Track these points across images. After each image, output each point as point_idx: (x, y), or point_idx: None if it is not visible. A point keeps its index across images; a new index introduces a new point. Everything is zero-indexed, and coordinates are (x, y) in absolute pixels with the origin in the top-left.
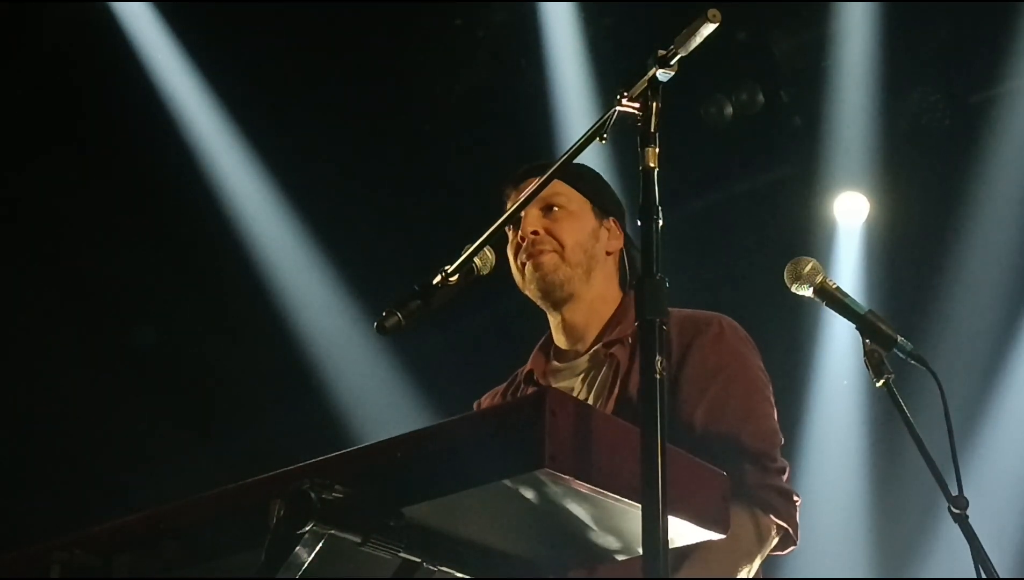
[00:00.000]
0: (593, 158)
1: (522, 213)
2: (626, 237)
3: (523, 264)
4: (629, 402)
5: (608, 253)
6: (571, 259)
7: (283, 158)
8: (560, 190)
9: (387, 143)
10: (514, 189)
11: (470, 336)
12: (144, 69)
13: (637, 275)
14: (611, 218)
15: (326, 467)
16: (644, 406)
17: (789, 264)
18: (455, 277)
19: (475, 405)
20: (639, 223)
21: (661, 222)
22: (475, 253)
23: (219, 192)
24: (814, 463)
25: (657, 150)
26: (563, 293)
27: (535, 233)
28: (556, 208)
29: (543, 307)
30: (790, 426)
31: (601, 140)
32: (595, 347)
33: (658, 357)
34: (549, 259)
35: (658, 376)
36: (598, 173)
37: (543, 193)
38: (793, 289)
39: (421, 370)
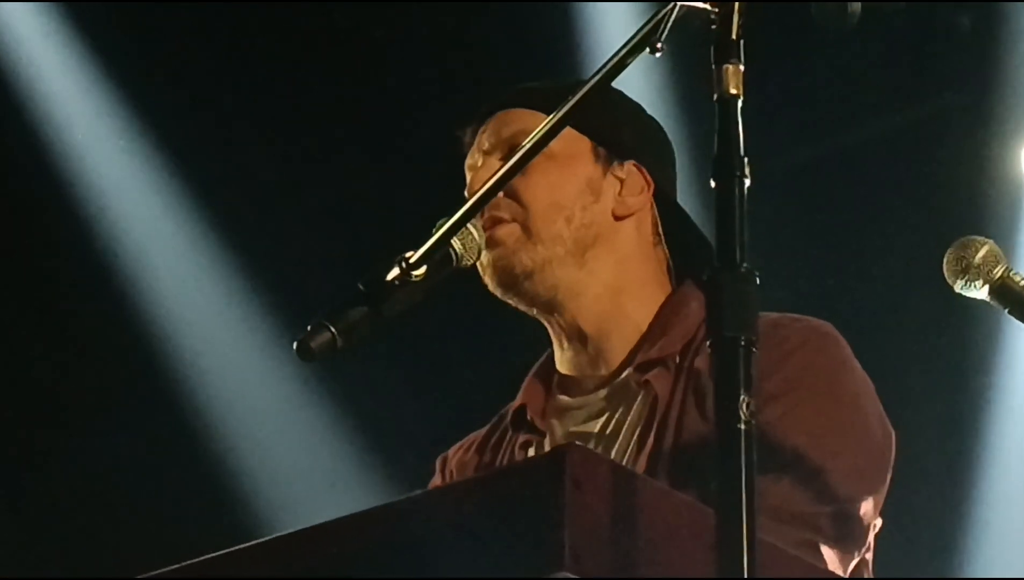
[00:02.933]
0: (640, 86)
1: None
2: (658, 191)
3: (480, 250)
4: (670, 459)
5: (620, 217)
6: (542, 230)
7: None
8: (530, 126)
9: (298, 71)
10: (480, 128)
11: (447, 363)
12: None
13: (708, 265)
14: (628, 161)
15: (210, 568)
16: (720, 473)
17: (952, 249)
18: (422, 269)
19: (438, 463)
20: (713, 183)
21: (748, 182)
22: (453, 232)
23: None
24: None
25: (742, 69)
26: (534, 288)
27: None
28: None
29: (524, 311)
30: (952, 487)
31: (654, 51)
32: (624, 372)
33: (743, 397)
34: (505, 233)
35: (743, 426)
36: (614, 92)
37: (505, 132)
38: (958, 287)
39: (367, 416)
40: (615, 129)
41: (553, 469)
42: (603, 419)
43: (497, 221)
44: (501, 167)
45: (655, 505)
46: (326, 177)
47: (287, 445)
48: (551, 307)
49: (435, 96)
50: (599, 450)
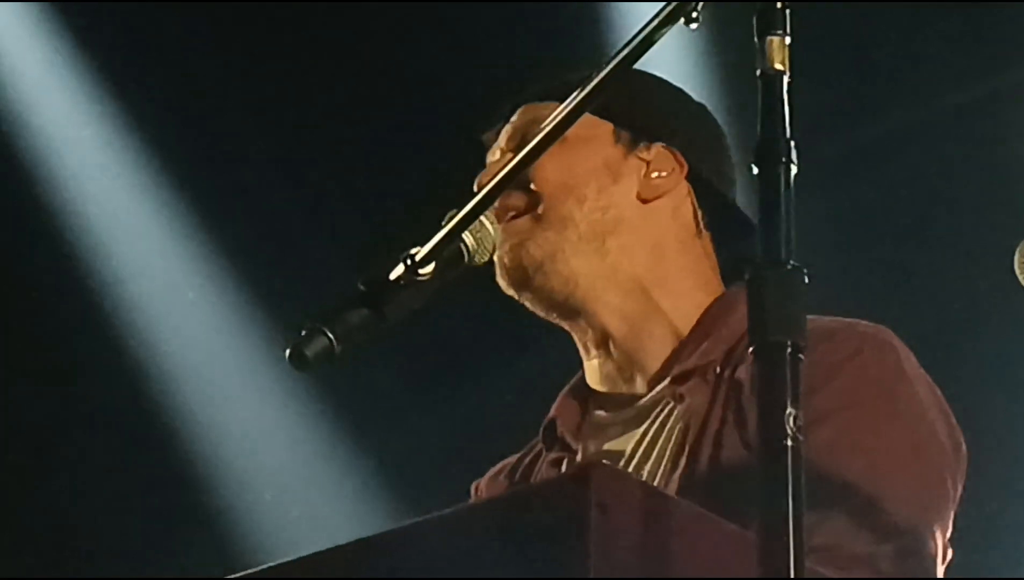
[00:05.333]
0: (673, 65)
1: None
2: (694, 174)
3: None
4: (706, 481)
5: (647, 200)
6: (551, 214)
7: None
8: (542, 114)
9: (296, 68)
10: (502, 126)
11: (459, 372)
12: None
13: (752, 262)
14: (657, 143)
15: None
16: (763, 496)
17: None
18: (429, 267)
19: (473, 490)
20: (754, 169)
21: (795, 168)
22: (464, 225)
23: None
24: None
25: (788, 42)
26: (548, 282)
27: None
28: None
29: (547, 318)
30: None
31: (689, 23)
32: (661, 383)
33: (790, 409)
34: (515, 226)
35: (790, 442)
36: (640, 73)
37: (520, 124)
38: None
39: (369, 429)
40: (639, 110)
41: (576, 491)
42: (636, 436)
43: (509, 209)
44: (515, 157)
45: (690, 531)
46: (323, 171)
47: (282, 461)
48: (571, 307)
49: (440, 93)
50: (635, 472)
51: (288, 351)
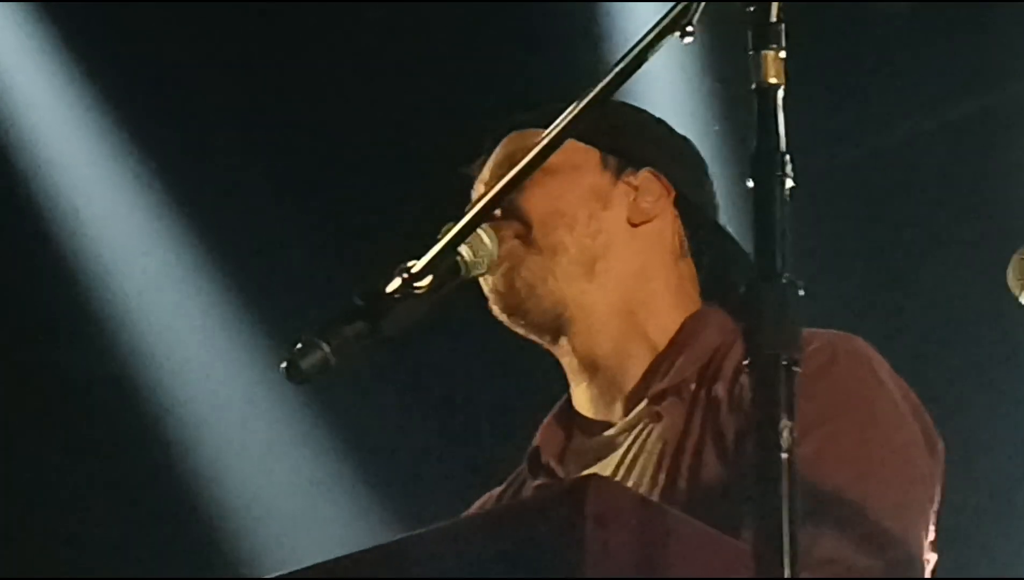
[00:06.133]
0: (671, 77)
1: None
2: (681, 199)
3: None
4: (685, 500)
5: (636, 222)
6: (541, 240)
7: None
8: (529, 144)
9: (290, 83)
10: (489, 155)
11: (455, 387)
12: None
13: (747, 278)
14: (644, 169)
15: None
16: (758, 509)
17: (1017, 256)
18: (426, 281)
19: None
20: (750, 182)
21: (791, 182)
22: (461, 238)
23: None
24: None
25: (783, 56)
26: (539, 305)
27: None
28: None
29: (534, 339)
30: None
31: (683, 37)
32: (640, 404)
33: (784, 420)
34: (506, 252)
35: (784, 454)
36: (623, 103)
37: (502, 152)
38: (1023, 299)
39: (364, 443)
40: (627, 138)
41: (572, 504)
42: (616, 457)
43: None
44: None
45: (686, 543)
46: (321, 183)
47: (276, 475)
48: (559, 328)
49: (435, 97)
50: None
51: (284, 363)
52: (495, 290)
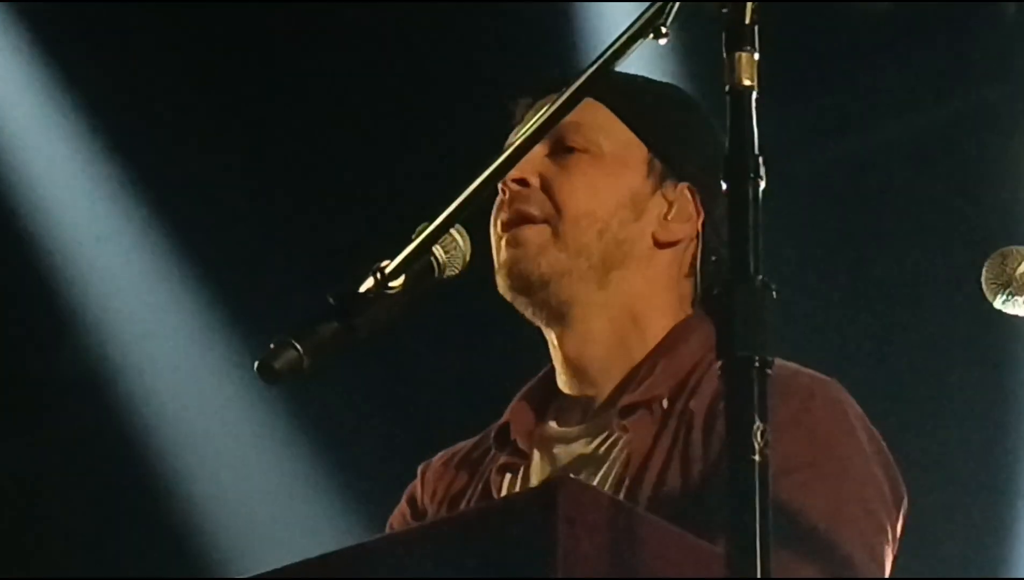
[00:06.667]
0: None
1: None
2: (707, 221)
3: (499, 237)
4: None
5: (661, 243)
6: (570, 238)
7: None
8: (589, 119)
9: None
10: (528, 109)
11: (426, 385)
12: None
13: (721, 279)
14: (683, 183)
15: None
16: (731, 511)
17: (991, 260)
18: (399, 281)
19: (419, 471)
20: (724, 184)
21: (763, 183)
22: (434, 238)
23: None
24: None
25: (756, 57)
26: (548, 297)
27: (521, 182)
28: (574, 150)
29: (527, 316)
30: (994, 514)
31: (658, 37)
32: (608, 409)
33: (757, 423)
34: (533, 234)
35: (757, 457)
36: (683, 97)
37: (562, 121)
38: (998, 302)
39: (337, 443)
40: (680, 144)
41: (544, 505)
42: (582, 460)
43: (526, 217)
44: (498, 159)
45: (658, 545)
46: (294, 184)
47: (247, 474)
48: (560, 319)
49: (413, 97)
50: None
51: (256, 364)
52: (509, 270)
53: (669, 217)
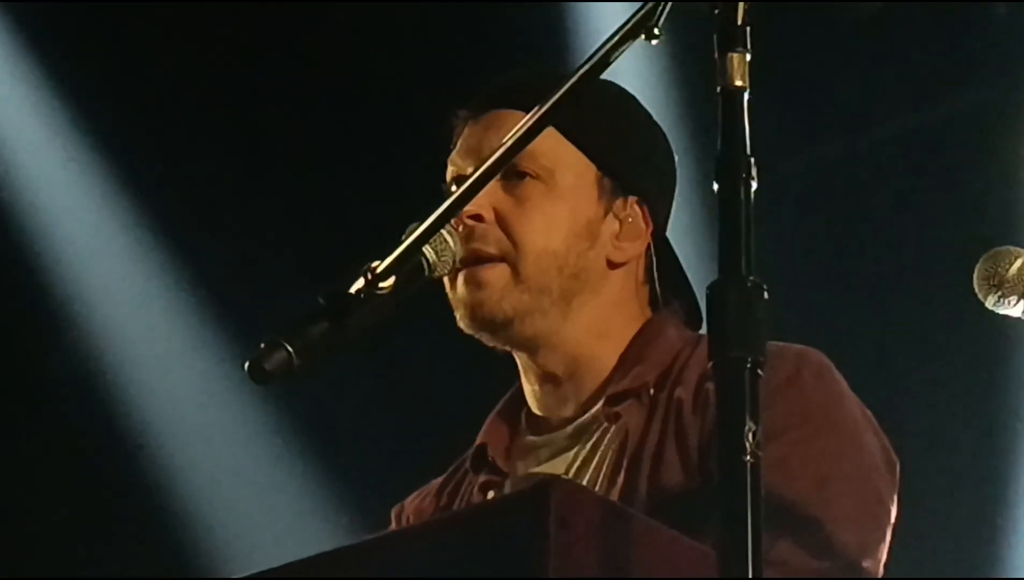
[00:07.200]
0: (634, 73)
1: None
2: (656, 232)
3: (453, 270)
4: (645, 499)
5: (614, 264)
6: (531, 278)
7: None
8: (539, 144)
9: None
10: (472, 121)
11: (417, 385)
12: None
13: (713, 281)
14: (632, 197)
15: None
16: (722, 511)
17: (983, 261)
18: (389, 281)
19: (393, 515)
20: (715, 185)
21: (755, 184)
22: (424, 239)
23: None
24: None
25: (748, 58)
26: (514, 334)
27: (476, 217)
28: (527, 177)
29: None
30: (985, 512)
31: (650, 39)
32: (594, 407)
33: (749, 424)
34: (493, 276)
35: (749, 458)
36: (627, 103)
37: (495, 138)
38: (990, 303)
39: (328, 443)
40: (626, 157)
41: (536, 506)
42: (569, 457)
43: (482, 256)
44: (475, 171)
45: (649, 546)
46: (282, 182)
47: (238, 475)
48: (527, 349)
49: (403, 96)
50: None
51: (247, 364)
52: (471, 309)
53: (620, 237)
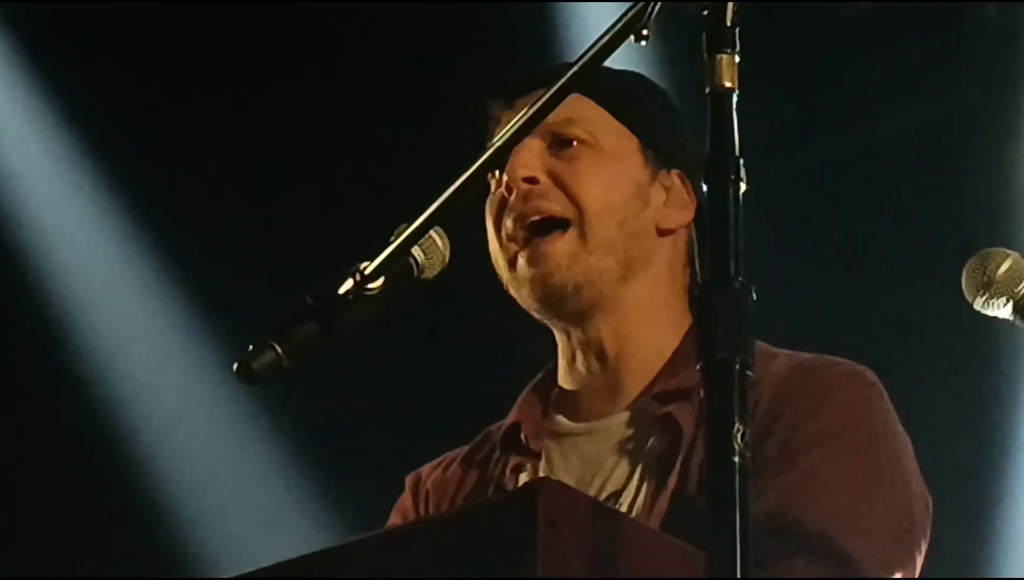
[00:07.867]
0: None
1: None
2: (700, 208)
3: (514, 254)
4: (696, 501)
5: (664, 231)
6: (596, 237)
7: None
8: (580, 112)
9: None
10: (506, 108)
11: (407, 385)
12: None
13: (700, 280)
14: (675, 171)
15: None
16: (710, 512)
17: (971, 261)
18: (378, 282)
19: (409, 482)
20: (704, 186)
21: (744, 185)
22: (414, 240)
23: None
24: None
25: (737, 60)
26: (580, 303)
27: (531, 180)
28: (574, 142)
29: (544, 322)
30: (975, 518)
31: (639, 39)
32: (641, 400)
33: (737, 425)
34: (561, 245)
35: (737, 458)
36: (656, 87)
37: (551, 118)
38: (978, 304)
39: (317, 443)
40: (663, 131)
41: (525, 507)
42: (615, 452)
43: (549, 215)
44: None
45: (639, 547)
46: (271, 183)
47: (229, 474)
48: (581, 319)
49: (394, 98)
50: (608, 488)
51: (236, 365)
52: (541, 285)
53: (668, 204)
